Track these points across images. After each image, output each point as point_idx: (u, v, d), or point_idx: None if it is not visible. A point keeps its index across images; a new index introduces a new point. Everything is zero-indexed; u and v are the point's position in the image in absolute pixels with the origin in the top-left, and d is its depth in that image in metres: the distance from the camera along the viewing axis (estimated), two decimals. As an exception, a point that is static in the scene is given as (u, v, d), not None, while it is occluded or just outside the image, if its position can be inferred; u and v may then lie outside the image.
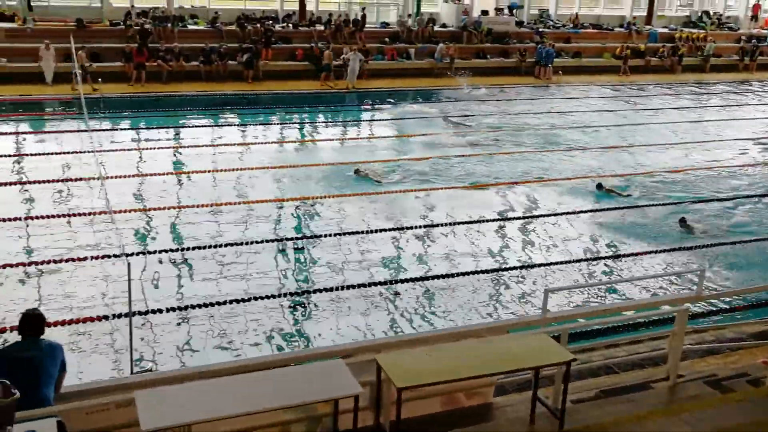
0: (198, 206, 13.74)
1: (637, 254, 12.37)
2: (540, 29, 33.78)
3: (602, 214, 14.37)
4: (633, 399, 6.82)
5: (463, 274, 11.27)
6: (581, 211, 14.44)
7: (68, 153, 16.57)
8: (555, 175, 16.89)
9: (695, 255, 12.40)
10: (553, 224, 13.85)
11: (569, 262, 11.97)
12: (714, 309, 10.34)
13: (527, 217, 14.18)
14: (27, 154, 16.98)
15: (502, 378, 6.67)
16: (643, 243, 12.85)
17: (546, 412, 6.24)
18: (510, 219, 14.04)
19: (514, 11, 34.70)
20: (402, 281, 10.96)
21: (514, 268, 11.70)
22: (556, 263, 11.88)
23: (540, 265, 11.81)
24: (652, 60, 33.89)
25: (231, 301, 9.99)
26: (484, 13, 33.29)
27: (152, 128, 20.30)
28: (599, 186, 15.58)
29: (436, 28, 31.90)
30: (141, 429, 4.70)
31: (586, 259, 12.16)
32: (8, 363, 5.09)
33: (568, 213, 14.34)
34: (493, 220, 13.89)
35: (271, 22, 29.29)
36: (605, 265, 12.14)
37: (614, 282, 11.68)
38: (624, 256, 12.37)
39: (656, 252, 12.45)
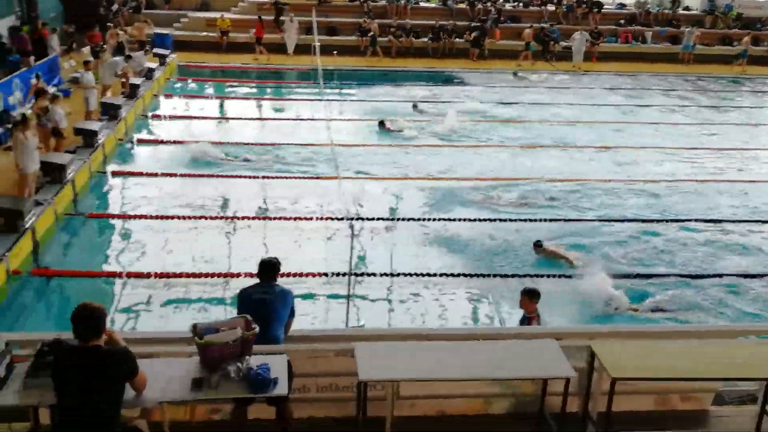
0: (406, 178, 14.06)
1: None
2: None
3: None
4: None
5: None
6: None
7: (303, 120, 17.76)
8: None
9: None
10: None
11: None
12: None
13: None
14: (268, 119, 18.45)
15: (724, 386, 6.21)
16: None
17: (774, 430, 5.71)
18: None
19: None
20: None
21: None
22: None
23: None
24: None
25: (440, 275, 10.17)
26: (736, -5, 30.54)
27: (378, 101, 21.00)
28: None
29: (679, 10, 29.88)
30: (358, 378, 5.00)
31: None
32: (249, 302, 5.64)
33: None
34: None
35: (501, 1, 29.13)
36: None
37: None
38: None
39: None
